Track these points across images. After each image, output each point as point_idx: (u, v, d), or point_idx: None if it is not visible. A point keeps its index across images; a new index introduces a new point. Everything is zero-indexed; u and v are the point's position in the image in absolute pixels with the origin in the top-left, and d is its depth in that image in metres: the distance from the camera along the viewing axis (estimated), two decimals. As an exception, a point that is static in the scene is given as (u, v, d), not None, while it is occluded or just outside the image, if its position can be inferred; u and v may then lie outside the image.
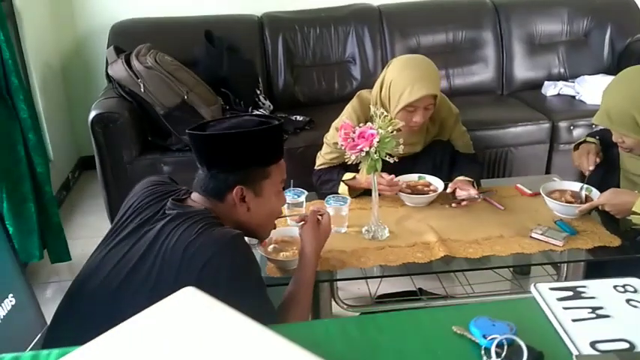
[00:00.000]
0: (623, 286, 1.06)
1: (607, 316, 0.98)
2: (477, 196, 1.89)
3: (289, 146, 2.66)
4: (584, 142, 2.04)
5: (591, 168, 1.92)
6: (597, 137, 2.04)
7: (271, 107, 2.99)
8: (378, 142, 1.63)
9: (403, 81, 1.94)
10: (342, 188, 2.02)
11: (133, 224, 1.34)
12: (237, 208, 1.35)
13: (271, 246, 1.67)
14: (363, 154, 1.65)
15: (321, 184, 2.14)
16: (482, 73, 3.20)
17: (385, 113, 1.68)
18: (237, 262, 1.23)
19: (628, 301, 1.02)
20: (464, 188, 1.92)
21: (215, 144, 1.33)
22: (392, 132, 1.66)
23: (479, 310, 1.01)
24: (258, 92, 2.96)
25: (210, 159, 1.34)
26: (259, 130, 1.33)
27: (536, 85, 3.20)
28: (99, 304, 1.23)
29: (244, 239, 1.29)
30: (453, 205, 1.91)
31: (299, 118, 2.84)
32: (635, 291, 1.05)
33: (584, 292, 1.04)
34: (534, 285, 1.04)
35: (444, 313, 1.02)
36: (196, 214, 1.29)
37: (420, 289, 2.03)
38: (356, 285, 2.12)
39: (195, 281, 1.18)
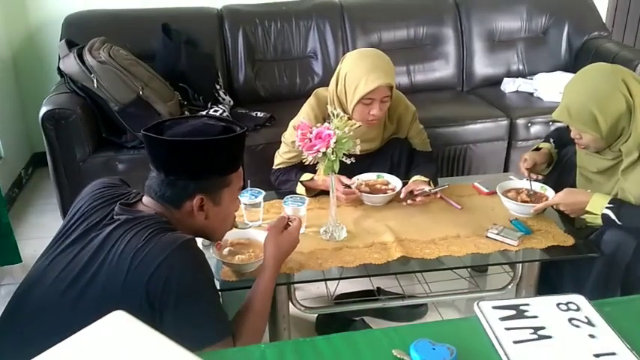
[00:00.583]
0: (567, 304, 1.05)
1: (548, 337, 0.97)
2: (431, 190, 1.90)
3: (249, 143, 2.62)
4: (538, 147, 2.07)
5: (525, 172, 1.96)
6: (552, 140, 2.07)
7: (231, 102, 2.94)
8: (334, 142, 1.62)
9: (358, 73, 1.93)
10: (300, 189, 2.00)
11: (80, 230, 1.29)
12: (193, 216, 1.32)
13: (226, 249, 1.64)
14: (320, 154, 1.64)
15: (279, 184, 2.11)
16: (442, 70, 3.21)
17: (342, 114, 1.66)
18: (187, 269, 1.19)
19: (570, 320, 1.01)
20: (419, 189, 1.92)
21: (176, 150, 1.27)
22: (349, 132, 1.64)
23: (420, 331, 0.99)
24: (218, 87, 2.90)
25: (169, 165, 1.29)
26: (225, 138, 1.29)
27: (496, 82, 3.23)
28: (41, 316, 1.18)
29: (196, 244, 1.25)
30: (409, 202, 1.91)
31: (259, 114, 2.80)
32: (578, 309, 1.04)
33: (526, 311, 1.03)
34: (477, 303, 1.03)
35: (384, 335, 0.99)
36: (146, 220, 1.25)
37: (378, 288, 2.03)
38: (314, 284, 2.11)
39: (144, 289, 1.15)
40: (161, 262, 1.16)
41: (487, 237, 1.77)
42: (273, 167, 2.14)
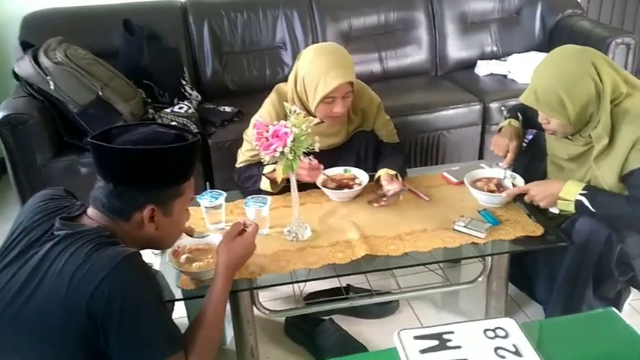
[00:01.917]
0: (494, 330, 0.99)
1: None
2: (401, 189, 1.84)
3: (216, 140, 2.57)
4: (509, 123, 2.01)
5: (508, 159, 1.89)
6: (519, 115, 2.00)
7: (199, 98, 2.86)
8: (292, 141, 1.56)
9: (315, 73, 1.86)
10: (265, 183, 1.94)
11: (20, 246, 1.23)
12: (143, 227, 1.27)
13: (184, 256, 1.58)
14: (278, 154, 1.58)
15: (243, 182, 2.06)
16: (415, 55, 3.15)
17: (299, 111, 1.60)
18: (131, 284, 1.14)
19: (496, 349, 0.94)
20: (389, 194, 1.86)
21: (125, 159, 1.21)
22: (307, 130, 1.59)
23: None
24: (184, 83, 2.82)
25: (118, 175, 1.23)
26: (177, 147, 1.24)
27: (470, 65, 3.17)
28: None
29: (140, 257, 1.19)
30: (375, 205, 1.85)
31: (227, 109, 2.73)
32: (506, 335, 0.98)
33: (450, 341, 0.96)
34: (398, 333, 0.98)
35: None
36: (87, 234, 1.19)
37: (348, 285, 1.99)
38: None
39: (85, 308, 1.10)
40: (103, 278, 1.10)
41: (454, 230, 1.73)
42: (236, 165, 2.08)
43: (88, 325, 1.10)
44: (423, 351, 0.94)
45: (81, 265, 1.12)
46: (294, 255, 1.66)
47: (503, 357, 0.93)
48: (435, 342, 0.96)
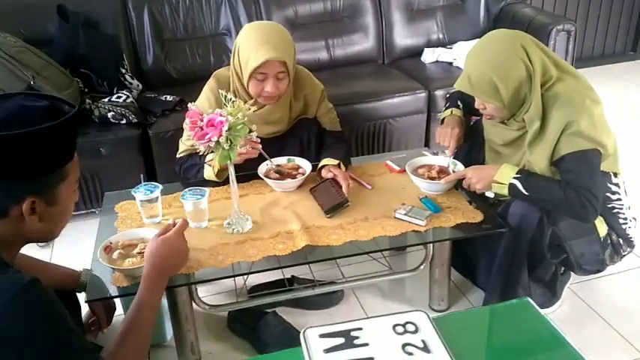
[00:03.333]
0: (404, 325, 0.96)
1: None
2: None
3: (157, 130, 2.49)
4: (451, 113, 2.01)
5: (451, 147, 1.89)
6: (459, 103, 2.01)
7: (140, 86, 2.76)
8: (227, 130, 1.51)
9: (249, 46, 1.83)
10: (208, 171, 1.88)
11: None
12: (23, 222, 1.10)
13: (116, 252, 1.52)
14: (213, 143, 1.53)
15: (185, 173, 2.00)
16: (362, 43, 3.12)
17: (233, 99, 1.55)
18: (29, 322, 1.00)
19: (404, 346, 0.92)
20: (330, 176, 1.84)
21: None
22: (244, 118, 1.54)
23: None
24: (124, 71, 2.72)
25: None
26: (55, 125, 1.05)
27: (417, 53, 3.17)
28: None
29: (38, 286, 1.03)
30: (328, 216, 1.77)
31: (169, 98, 2.65)
32: (416, 330, 0.96)
33: (357, 338, 0.93)
34: (304, 332, 0.95)
35: None
36: None
37: (292, 276, 1.96)
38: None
39: None
40: None
41: (395, 218, 1.72)
42: (177, 156, 2.02)
43: None
44: (328, 350, 0.91)
45: None
46: (233, 248, 1.62)
47: (410, 354, 0.90)
48: (341, 340, 0.93)
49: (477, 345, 0.95)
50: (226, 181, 1.86)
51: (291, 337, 1.72)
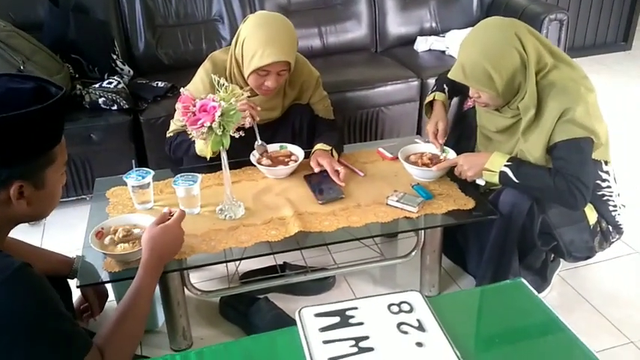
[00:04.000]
0: (399, 304, 0.97)
1: (369, 349, 0.88)
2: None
3: (149, 116, 2.47)
4: (433, 97, 2.01)
5: (440, 141, 1.90)
6: (445, 87, 2.00)
7: (131, 73, 2.74)
8: (220, 116, 1.50)
9: (255, 42, 1.81)
10: (199, 145, 1.84)
11: None
12: (11, 206, 1.09)
13: (108, 237, 1.52)
14: (205, 129, 1.52)
15: (175, 151, 1.98)
16: (355, 31, 3.11)
17: (226, 84, 1.54)
18: (20, 307, 1.01)
19: (399, 325, 0.92)
20: (322, 162, 1.84)
21: None
22: (236, 104, 1.53)
23: (232, 351, 0.90)
24: (115, 57, 2.69)
25: None
26: (41, 108, 1.04)
27: (410, 41, 3.16)
28: None
29: (28, 270, 1.04)
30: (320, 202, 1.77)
31: (160, 84, 2.63)
32: (411, 310, 0.96)
33: (352, 317, 0.93)
34: (299, 311, 0.96)
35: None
36: None
37: (284, 263, 1.97)
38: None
39: None
40: None
41: (387, 204, 1.73)
42: (167, 135, 2.01)
43: None
44: (324, 329, 0.91)
45: None
46: (225, 234, 1.63)
47: (405, 332, 0.91)
48: (337, 319, 0.93)
49: (472, 324, 0.96)
50: (218, 168, 1.85)
51: (282, 323, 1.73)
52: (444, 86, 2.01)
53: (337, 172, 1.81)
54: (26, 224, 1.20)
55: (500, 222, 1.71)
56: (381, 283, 2.02)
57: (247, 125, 1.68)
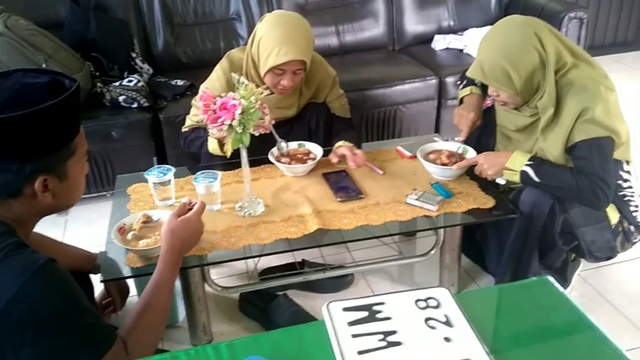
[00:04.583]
0: (426, 300, 0.97)
1: (398, 344, 0.88)
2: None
3: (168, 114, 2.50)
4: (470, 91, 2.00)
5: (464, 132, 1.89)
6: (478, 83, 2.00)
7: (150, 71, 2.77)
8: (240, 114, 1.51)
9: (272, 41, 1.82)
10: (212, 143, 1.86)
11: None
12: (37, 200, 1.12)
13: (130, 233, 1.54)
14: (226, 127, 1.53)
15: (189, 146, 2.01)
16: (372, 29, 3.11)
17: (246, 82, 1.55)
18: (44, 303, 1.03)
19: (427, 320, 0.93)
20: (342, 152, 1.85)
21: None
22: (256, 102, 1.54)
23: (260, 343, 0.90)
24: (134, 55, 2.72)
25: None
26: (59, 102, 1.05)
27: (427, 39, 3.16)
28: None
29: (54, 266, 1.06)
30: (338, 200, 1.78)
31: (179, 82, 2.66)
32: (438, 305, 0.96)
33: (380, 312, 0.94)
34: (327, 305, 0.96)
35: (214, 352, 0.91)
36: None
37: (303, 260, 1.97)
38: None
39: None
40: (12, 297, 0.99)
41: (407, 203, 1.73)
42: (182, 130, 2.03)
43: None
44: (352, 323, 0.92)
45: None
46: (245, 231, 1.63)
47: (433, 327, 0.91)
48: (365, 313, 0.93)
49: (499, 321, 0.95)
50: (237, 165, 1.86)
51: (301, 319, 1.74)
52: (476, 82, 1.99)
53: (356, 154, 1.82)
54: (50, 216, 1.22)
55: (520, 221, 1.70)
56: (400, 282, 2.02)
57: (268, 124, 1.69)
